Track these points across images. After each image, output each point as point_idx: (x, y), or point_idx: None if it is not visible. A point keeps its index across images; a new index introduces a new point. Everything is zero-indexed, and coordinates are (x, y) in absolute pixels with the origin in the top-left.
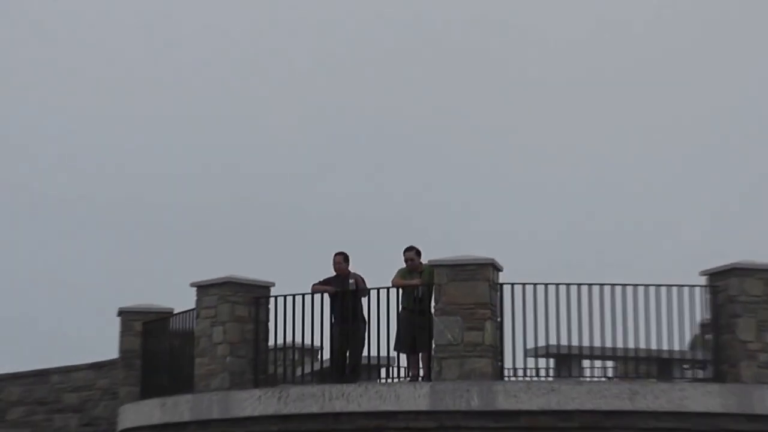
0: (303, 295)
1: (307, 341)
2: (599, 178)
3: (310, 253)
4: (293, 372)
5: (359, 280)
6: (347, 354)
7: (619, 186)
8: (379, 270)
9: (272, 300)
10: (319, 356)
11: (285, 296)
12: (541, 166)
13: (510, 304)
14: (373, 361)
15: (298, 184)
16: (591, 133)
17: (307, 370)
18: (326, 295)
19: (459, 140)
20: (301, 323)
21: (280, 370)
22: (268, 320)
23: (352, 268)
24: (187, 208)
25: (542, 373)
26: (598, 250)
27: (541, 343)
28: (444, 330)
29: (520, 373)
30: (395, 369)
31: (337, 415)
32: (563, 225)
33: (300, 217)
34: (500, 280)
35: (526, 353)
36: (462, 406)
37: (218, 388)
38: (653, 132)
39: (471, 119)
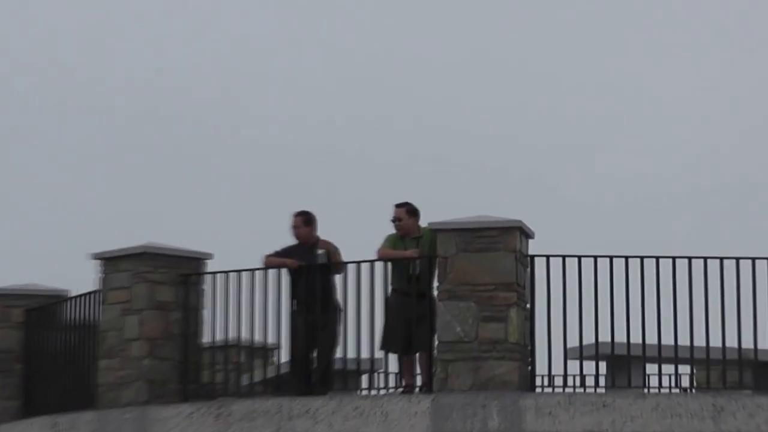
0: (252, 271)
1: (258, 337)
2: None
3: (260, 213)
4: (238, 380)
5: (331, 251)
6: (314, 355)
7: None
8: (360, 237)
9: (208, 279)
10: (275, 358)
11: (226, 273)
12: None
13: (544, 284)
14: (351, 365)
15: (233, 110)
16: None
17: (258, 377)
18: (285, 272)
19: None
20: (250, 312)
21: (219, 377)
22: (201, 307)
23: (320, 234)
24: (84, 154)
25: (590, 382)
26: (666, 213)
27: (589, 339)
28: (451, 321)
29: (559, 381)
30: (382, 376)
31: None
32: (618, 180)
33: (250, 165)
34: (531, 251)
35: (567, 354)
36: (476, 427)
37: (132, 402)
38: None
39: None
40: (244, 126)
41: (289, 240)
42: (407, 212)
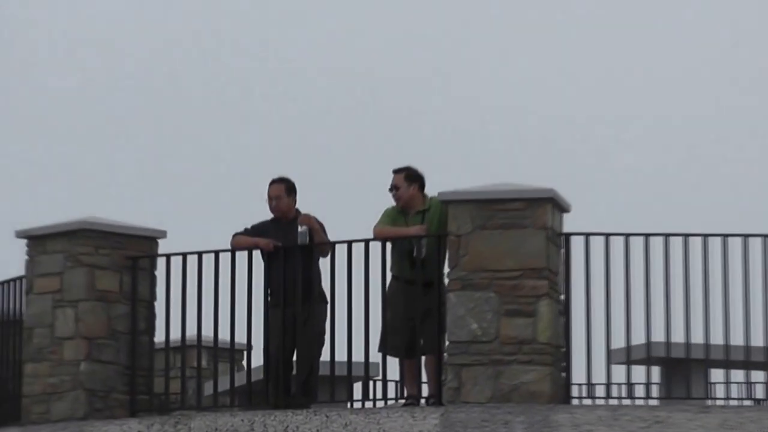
0: (216, 253)
1: (224, 336)
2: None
3: (226, 183)
4: (198, 389)
5: (315, 228)
6: (294, 358)
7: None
8: (352, 211)
9: (161, 262)
10: (245, 362)
11: (184, 255)
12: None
13: (582, 270)
14: (340, 371)
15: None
16: None
17: (224, 386)
18: (257, 255)
19: None
20: (213, 304)
21: (175, 385)
22: (153, 298)
23: (301, 207)
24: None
25: (639, 392)
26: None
27: (638, 339)
28: (466, 316)
29: (600, 392)
30: (379, 385)
31: None
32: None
33: (213, 126)
34: (566, 228)
35: (611, 357)
36: None
37: (67, 416)
38: None
39: None
40: (205, 79)
41: (263, 214)
42: (407, 179)
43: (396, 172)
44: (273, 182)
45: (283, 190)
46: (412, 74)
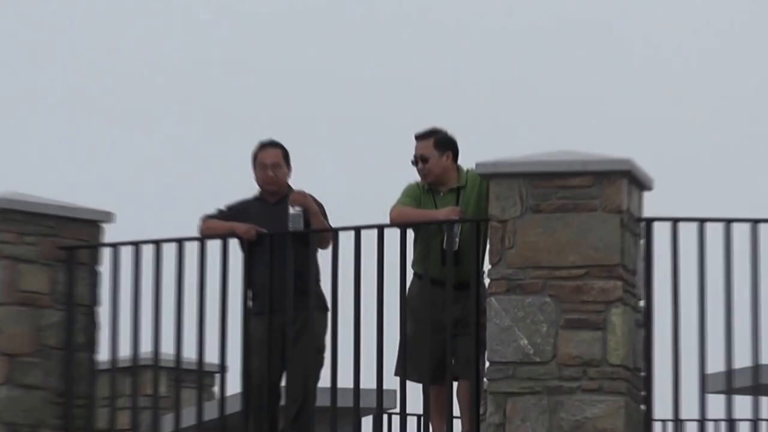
0: (179, 242)
1: (190, 353)
2: None
3: (195, 151)
4: (155, 424)
5: (311, 210)
6: (283, 383)
7: None
8: (362, 188)
9: (107, 254)
10: (218, 388)
11: (136, 245)
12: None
13: (670, 267)
14: (344, 401)
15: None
16: None
17: (189, 420)
18: (235, 244)
19: None
20: (176, 310)
21: (124, 418)
22: (97, 303)
23: (295, 182)
24: None
25: (743, 431)
26: None
27: (743, 361)
28: (512, 328)
29: (692, 430)
30: (396, 420)
31: None
32: None
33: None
34: (646, 213)
35: (706, 384)
36: None
37: None
38: None
39: None
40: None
41: (243, 190)
42: (438, 146)
43: (420, 137)
44: (266, 146)
45: (280, 156)
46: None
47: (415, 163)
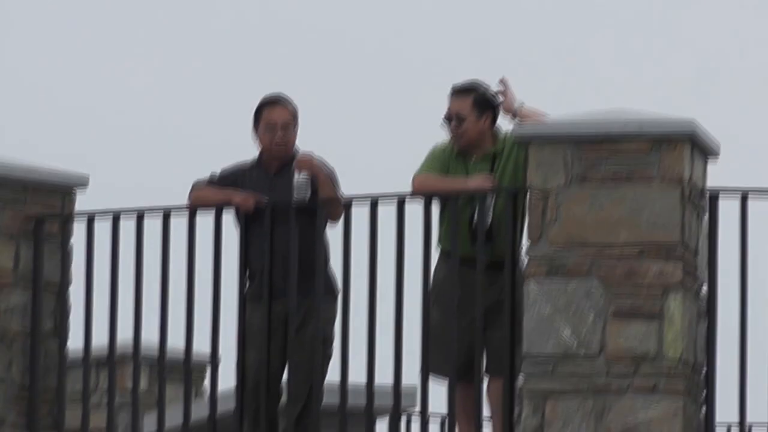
0: (165, 213)
1: (176, 343)
2: None
3: (178, 108)
4: (135, 424)
5: (320, 177)
6: (284, 379)
7: None
8: (378, 155)
9: (80, 226)
10: (208, 383)
11: (115, 215)
12: None
13: (738, 247)
14: (356, 400)
15: None
16: None
17: (175, 420)
18: (231, 217)
19: None
20: (161, 293)
21: (99, 418)
22: (68, 282)
23: (301, 144)
24: None
25: None
26: None
27: None
28: (553, 316)
29: None
30: (417, 421)
31: None
32: None
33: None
34: (711, 184)
35: None
36: None
37: None
38: None
39: None
40: None
41: (240, 154)
42: (476, 105)
43: (458, 92)
44: (275, 103)
45: (290, 117)
46: None
47: (448, 121)
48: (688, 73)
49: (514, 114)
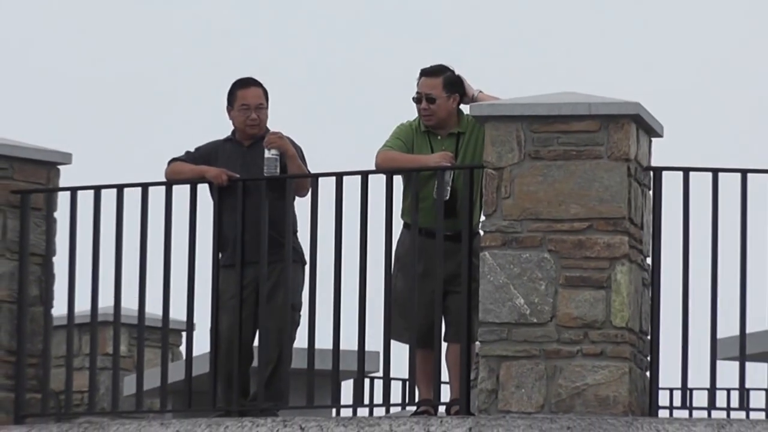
0: (143, 187)
1: (154, 309)
2: None
3: (156, 87)
4: (115, 386)
5: (288, 153)
6: (255, 343)
7: None
8: (343, 132)
9: (64, 198)
10: (184, 348)
11: (96, 189)
12: None
13: (681, 221)
14: (323, 363)
15: None
16: None
17: (153, 382)
18: (206, 191)
19: None
20: (140, 261)
21: (81, 379)
22: (52, 252)
23: (273, 124)
24: None
25: (758, 401)
26: None
27: (758, 325)
28: (507, 286)
29: (701, 400)
30: (379, 384)
31: None
32: None
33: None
34: (656, 161)
35: (717, 351)
36: None
37: None
38: None
39: None
40: None
41: (213, 132)
42: (446, 86)
43: (428, 74)
44: (248, 84)
45: (263, 96)
46: None
47: (418, 101)
48: (637, 59)
49: (473, 99)
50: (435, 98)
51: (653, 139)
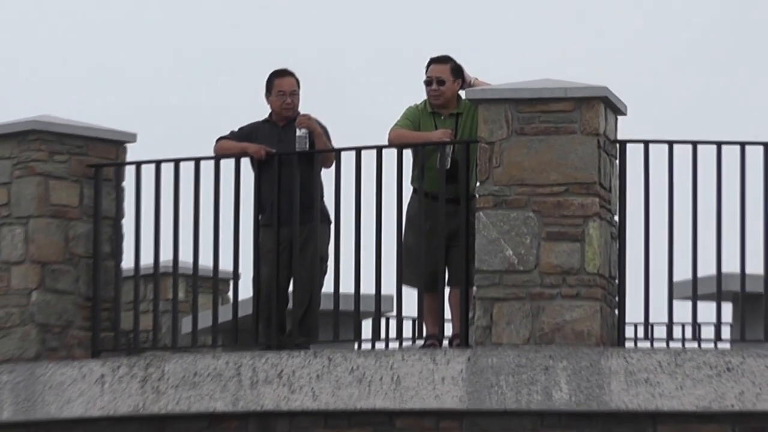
0: (196, 161)
1: (206, 262)
2: None
3: (211, 76)
4: (174, 326)
5: (317, 132)
6: (290, 289)
7: None
8: (362, 113)
9: (130, 171)
10: (231, 293)
11: (157, 163)
12: None
13: (642, 185)
14: (346, 305)
15: None
16: None
17: (205, 322)
18: (246, 163)
19: None
20: (193, 222)
21: (146, 321)
22: (121, 215)
23: (304, 108)
24: None
25: (707, 333)
26: None
27: (707, 270)
28: (498, 240)
29: (660, 333)
30: (393, 322)
31: (265, 418)
32: None
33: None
34: (621, 135)
35: (674, 292)
36: (535, 400)
37: (15, 356)
38: None
39: None
40: None
41: (253, 114)
42: (453, 72)
43: (439, 61)
44: (284, 74)
45: (296, 84)
46: None
47: (429, 83)
48: (604, 46)
49: (469, 85)
50: (444, 81)
51: (619, 117)
